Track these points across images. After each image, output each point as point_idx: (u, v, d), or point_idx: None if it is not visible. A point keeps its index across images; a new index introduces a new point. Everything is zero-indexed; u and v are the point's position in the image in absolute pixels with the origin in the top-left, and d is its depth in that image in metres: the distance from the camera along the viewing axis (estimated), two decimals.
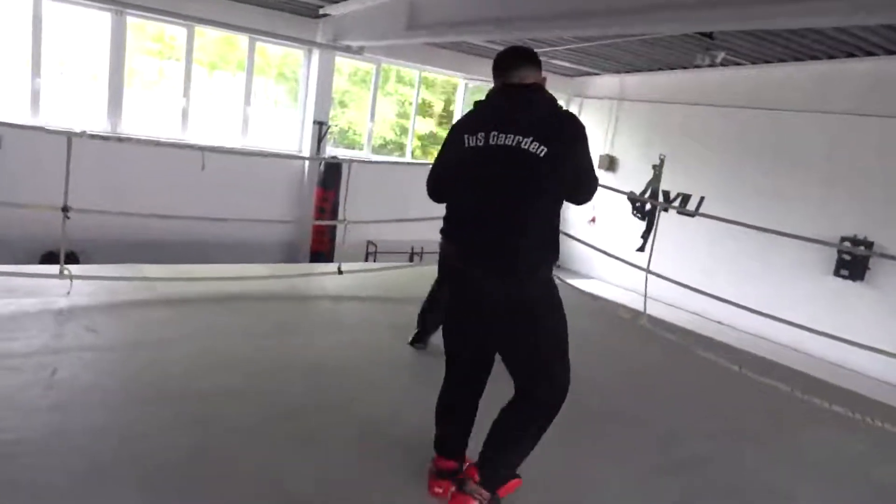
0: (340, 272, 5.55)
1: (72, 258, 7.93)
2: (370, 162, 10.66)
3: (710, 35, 7.66)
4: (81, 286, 4.26)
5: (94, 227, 8.04)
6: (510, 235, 2.26)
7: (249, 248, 9.31)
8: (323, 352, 3.90)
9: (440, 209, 2.55)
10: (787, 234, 5.35)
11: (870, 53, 8.09)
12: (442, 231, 2.45)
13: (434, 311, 4.00)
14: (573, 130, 2.34)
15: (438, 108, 12.09)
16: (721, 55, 8.82)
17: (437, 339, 3.38)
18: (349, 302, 5.20)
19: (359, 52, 9.45)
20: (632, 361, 4.46)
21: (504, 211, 2.26)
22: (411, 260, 11.33)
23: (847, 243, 8.58)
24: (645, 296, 4.89)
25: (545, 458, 2.45)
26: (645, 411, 3.62)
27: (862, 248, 8.49)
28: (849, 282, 8.79)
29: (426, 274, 5.71)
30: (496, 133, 2.26)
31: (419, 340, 4.13)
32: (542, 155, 2.21)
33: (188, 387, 3.16)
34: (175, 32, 8.91)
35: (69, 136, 4.07)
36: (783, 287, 9.17)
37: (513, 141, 2.24)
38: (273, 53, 9.93)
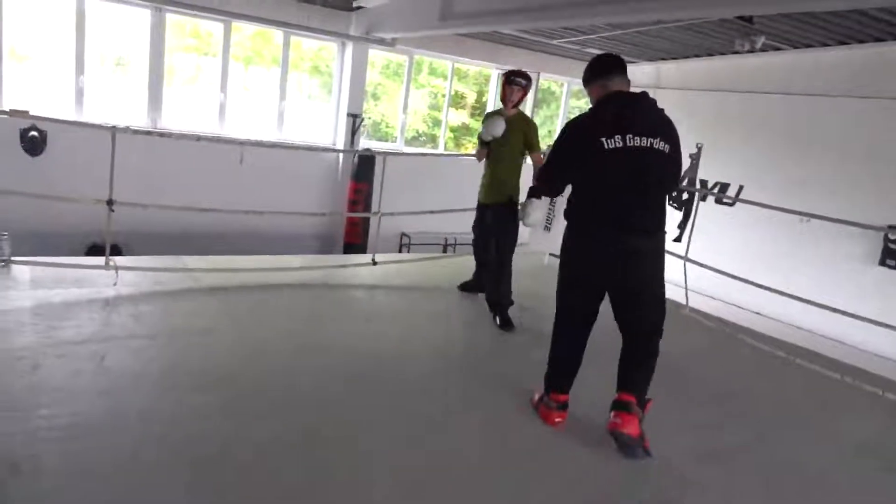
0: (375, 262, 5.61)
1: (115, 250, 8.14)
2: (404, 154, 10.70)
3: (749, 19, 7.48)
4: (126, 276, 4.38)
5: (137, 220, 8.27)
6: (652, 210, 2.92)
7: (285, 240, 9.44)
8: (360, 341, 3.95)
9: (473, 201, 4.23)
10: (834, 219, 5.18)
11: None
12: (583, 215, 2.98)
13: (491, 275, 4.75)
14: (675, 132, 2.98)
15: (471, 99, 12.05)
16: (761, 40, 8.61)
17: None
18: (384, 291, 5.26)
19: (392, 44, 9.47)
20: (677, 349, 4.39)
21: (647, 195, 2.88)
22: (445, 251, 11.37)
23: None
24: (686, 285, 4.81)
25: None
26: (693, 398, 3.61)
27: None
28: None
29: (461, 265, 5.75)
30: (631, 136, 2.81)
31: (467, 289, 5.16)
32: (666, 152, 2.87)
33: (228, 374, 3.23)
34: (212, 28, 9.06)
35: (114, 132, 4.18)
36: (826, 278, 8.92)
37: (647, 143, 2.82)
38: (307, 48, 10.02)
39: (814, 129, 9.38)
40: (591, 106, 3.07)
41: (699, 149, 10.95)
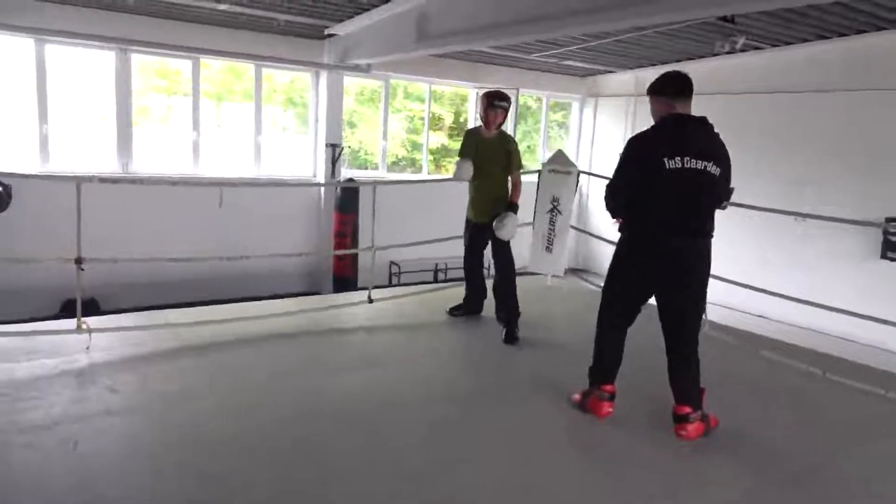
0: (371, 301, 5.27)
1: (91, 305, 7.76)
2: (396, 182, 10.39)
3: (731, 19, 7.33)
4: (101, 339, 4.01)
5: (113, 270, 7.87)
6: (701, 219, 3.25)
7: (271, 279, 9.08)
8: (365, 391, 3.61)
9: (461, 225, 4.90)
10: (829, 217, 4.94)
11: None
12: (640, 227, 3.33)
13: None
14: (727, 155, 3.31)
15: (448, 120, 11.83)
16: (741, 40, 8.48)
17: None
18: (384, 332, 4.90)
19: (367, 69, 9.23)
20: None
21: (698, 210, 3.23)
22: (436, 279, 11.05)
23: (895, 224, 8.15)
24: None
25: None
26: (733, 425, 3.32)
27: None
28: None
29: (459, 293, 5.45)
30: (689, 158, 3.15)
31: (458, 312, 5.19)
32: (717, 175, 3.22)
33: (219, 450, 2.87)
34: (180, 66, 8.76)
35: (78, 182, 3.83)
36: (825, 277, 8.74)
37: (702, 166, 3.17)
38: (279, 80, 9.76)
39: (802, 127, 9.25)
40: (652, 123, 3.36)
41: None
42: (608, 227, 9.80)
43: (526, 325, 4.76)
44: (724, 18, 7.29)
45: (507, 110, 4.87)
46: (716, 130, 3.34)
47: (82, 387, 3.38)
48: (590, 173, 6.22)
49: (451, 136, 11.79)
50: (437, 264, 10.62)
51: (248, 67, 9.13)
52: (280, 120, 10.07)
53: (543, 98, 12.01)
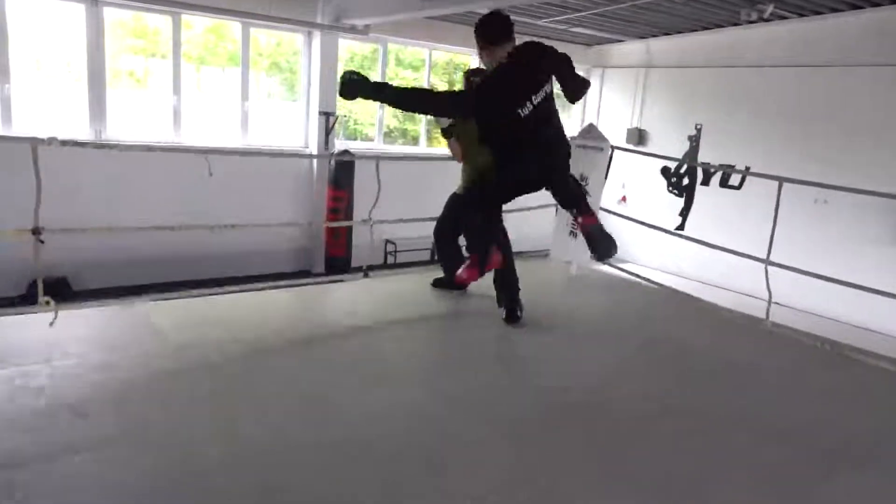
0: (366, 274, 4.72)
1: (61, 285, 7.08)
2: (404, 157, 9.69)
3: None
4: (69, 339, 3.39)
5: (86, 247, 7.20)
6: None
7: (259, 257, 8.45)
8: (388, 412, 3.02)
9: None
10: (855, 189, 4.40)
11: None
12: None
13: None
14: None
15: (442, 89, 11.13)
16: (770, 8, 7.90)
17: None
18: (396, 330, 4.24)
19: (364, 31, 8.51)
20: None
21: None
22: (433, 257, 10.46)
23: None
24: (769, 295, 3.98)
25: None
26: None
27: None
28: None
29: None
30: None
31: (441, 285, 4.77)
32: None
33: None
34: (159, 25, 7.99)
35: (33, 144, 3.17)
36: (847, 259, 8.27)
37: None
38: (264, 43, 9.00)
39: (828, 103, 8.71)
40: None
41: (699, 130, 10.23)
42: (641, 209, 9.21)
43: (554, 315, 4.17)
44: None
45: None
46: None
47: (39, 412, 2.72)
48: (624, 149, 5.62)
49: None
50: (433, 242, 10.03)
51: (232, 28, 8.37)
52: (263, 85, 9.33)
53: None
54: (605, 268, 5.67)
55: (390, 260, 9.64)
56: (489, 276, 4.18)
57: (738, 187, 9.71)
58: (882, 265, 7.99)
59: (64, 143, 3.26)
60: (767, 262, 4.00)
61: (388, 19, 7.95)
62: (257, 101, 8.83)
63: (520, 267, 4.35)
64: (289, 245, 9.07)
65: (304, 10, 8.33)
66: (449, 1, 6.49)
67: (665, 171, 10.59)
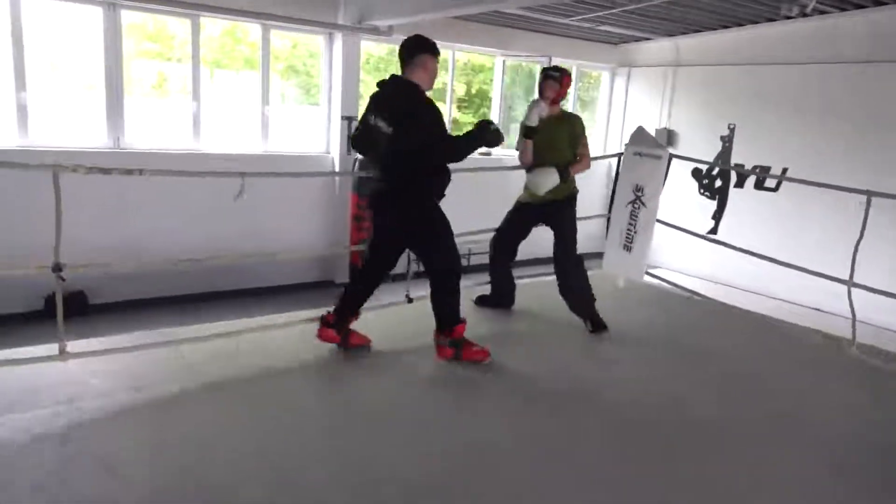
0: (410, 300, 4.43)
1: (78, 301, 6.83)
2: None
3: None
4: (90, 376, 3.12)
5: (104, 258, 6.97)
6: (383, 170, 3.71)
7: (280, 267, 8.18)
8: (434, 461, 2.74)
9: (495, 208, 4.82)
10: (887, 194, 4.06)
11: None
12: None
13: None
14: (406, 113, 3.48)
15: (460, 91, 10.80)
16: (812, 2, 7.55)
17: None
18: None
19: (388, 33, 8.21)
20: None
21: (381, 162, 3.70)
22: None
23: None
24: (853, 318, 3.66)
25: None
26: None
27: None
28: None
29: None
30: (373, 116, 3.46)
31: (486, 303, 4.83)
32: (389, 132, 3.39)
33: None
34: (175, 29, 7.73)
35: (56, 171, 2.89)
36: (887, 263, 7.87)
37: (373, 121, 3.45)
38: (280, 46, 8.72)
39: (870, 101, 8.33)
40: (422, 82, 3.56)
41: (732, 130, 9.87)
42: (672, 212, 8.86)
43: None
44: None
45: (559, 81, 4.42)
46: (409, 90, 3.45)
47: (65, 465, 2.45)
48: (681, 157, 5.30)
49: (460, 109, 10.83)
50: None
51: (250, 30, 8.10)
52: (279, 89, 9.05)
53: (574, 68, 11.01)
54: (651, 280, 5.36)
55: (413, 268, 9.34)
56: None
57: (776, 189, 9.36)
58: None
59: (90, 170, 2.98)
60: (851, 283, 3.67)
61: (415, 19, 7.64)
62: (274, 105, 8.56)
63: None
64: (311, 255, 8.82)
65: (326, 10, 8.05)
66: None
67: (696, 173, 10.24)
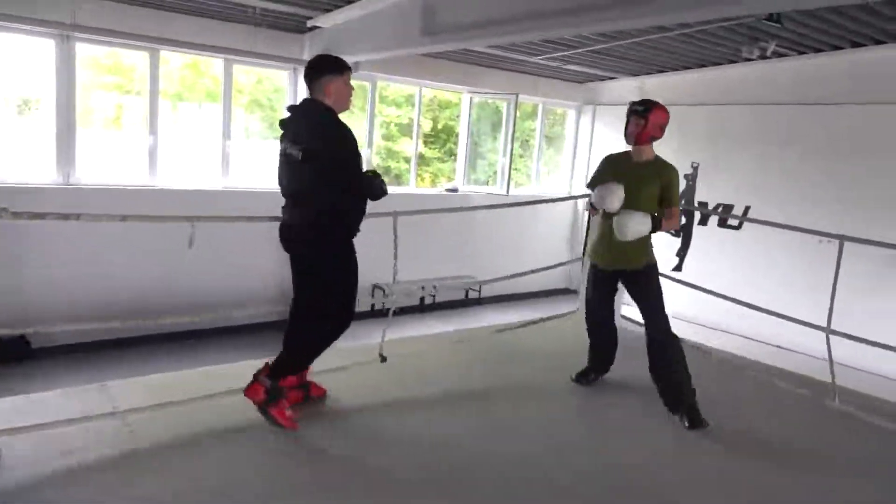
0: (383, 359, 4.16)
1: (18, 346, 6.40)
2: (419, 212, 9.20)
3: (776, 18, 6.51)
4: (20, 444, 2.82)
5: (48, 296, 6.59)
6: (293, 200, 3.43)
7: (237, 306, 7.85)
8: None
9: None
10: (859, 239, 4.07)
11: None
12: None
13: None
14: (319, 136, 3.18)
15: (426, 126, 10.74)
16: (773, 45, 7.69)
17: None
18: (417, 414, 3.71)
19: (354, 69, 8.05)
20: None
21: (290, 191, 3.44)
22: (422, 304, 10.00)
23: None
24: (831, 367, 3.56)
25: None
26: None
27: None
28: None
29: (499, 340, 4.38)
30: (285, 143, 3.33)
31: (586, 377, 4.16)
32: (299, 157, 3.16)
33: None
34: (134, 61, 7.48)
35: None
36: (860, 303, 7.95)
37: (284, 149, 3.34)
38: (245, 81, 8.55)
39: (832, 141, 8.50)
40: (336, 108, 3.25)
41: (695, 168, 9.98)
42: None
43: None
44: (770, 18, 6.46)
45: (644, 116, 3.86)
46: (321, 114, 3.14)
47: None
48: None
49: (426, 144, 10.76)
50: (423, 286, 9.54)
51: (212, 64, 7.91)
52: (243, 123, 8.84)
53: (540, 105, 11.06)
54: (623, 323, 5.23)
55: (378, 306, 9.10)
56: None
57: (738, 227, 9.44)
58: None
59: (17, 214, 2.72)
60: (829, 330, 3.58)
61: (382, 56, 7.55)
62: (237, 139, 8.33)
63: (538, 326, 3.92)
64: (274, 293, 8.51)
65: (290, 46, 7.92)
66: (451, 36, 6.10)
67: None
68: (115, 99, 7.74)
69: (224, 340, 7.62)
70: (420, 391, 3.88)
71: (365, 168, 3.28)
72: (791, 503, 2.87)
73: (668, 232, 3.91)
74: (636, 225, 3.53)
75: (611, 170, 3.98)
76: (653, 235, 3.71)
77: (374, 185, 3.17)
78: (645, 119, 3.79)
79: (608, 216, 3.74)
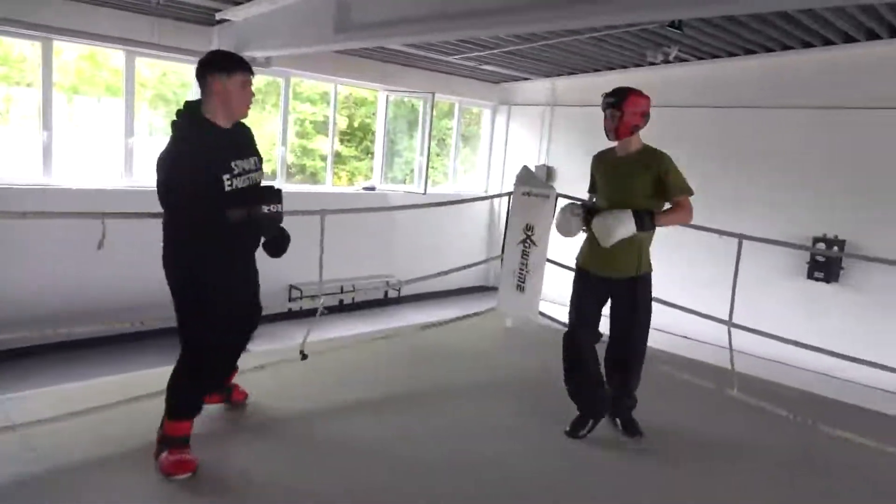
0: (304, 356, 4.09)
1: None
2: (347, 211, 8.96)
3: (678, 25, 6.83)
4: None
5: None
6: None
7: (143, 311, 7.46)
8: None
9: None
10: (757, 238, 4.43)
11: (828, 42, 7.58)
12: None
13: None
14: (161, 161, 2.83)
15: (342, 124, 10.61)
16: (675, 51, 8.08)
17: None
18: (343, 420, 3.65)
19: (266, 64, 7.88)
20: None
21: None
22: (341, 305, 9.85)
23: (821, 244, 8.05)
24: (731, 357, 3.76)
25: None
26: None
27: (835, 248, 8.01)
28: (823, 284, 8.28)
29: (429, 341, 4.36)
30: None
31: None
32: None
33: None
34: (25, 51, 6.98)
35: None
36: (755, 296, 8.48)
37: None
38: (148, 74, 8.14)
39: (731, 143, 9.02)
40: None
41: None
42: (555, 248, 9.02)
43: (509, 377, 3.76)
44: (672, 24, 6.78)
45: (617, 107, 3.34)
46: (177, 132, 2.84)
47: None
48: (566, 196, 5.38)
49: (342, 142, 10.64)
50: (342, 286, 9.41)
51: (112, 55, 7.48)
52: (147, 119, 8.42)
53: (456, 104, 11.15)
54: (541, 320, 5.35)
55: (295, 308, 8.90)
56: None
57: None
58: (790, 298, 8.31)
59: None
60: (730, 323, 3.79)
61: (296, 51, 7.38)
62: (140, 136, 7.92)
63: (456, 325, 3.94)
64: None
65: (198, 38, 7.59)
66: (365, 34, 6.03)
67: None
68: (3, 91, 7.20)
69: (147, 344, 7.22)
70: (343, 393, 3.81)
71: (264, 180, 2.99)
72: (681, 495, 3.01)
73: (673, 226, 3.39)
74: (617, 226, 3.13)
75: (597, 168, 3.63)
76: (652, 236, 3.40)
77: (233, 216, 2.72)
78: (620, 110, 3.32)
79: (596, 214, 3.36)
